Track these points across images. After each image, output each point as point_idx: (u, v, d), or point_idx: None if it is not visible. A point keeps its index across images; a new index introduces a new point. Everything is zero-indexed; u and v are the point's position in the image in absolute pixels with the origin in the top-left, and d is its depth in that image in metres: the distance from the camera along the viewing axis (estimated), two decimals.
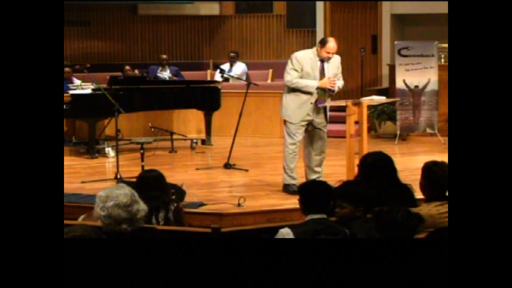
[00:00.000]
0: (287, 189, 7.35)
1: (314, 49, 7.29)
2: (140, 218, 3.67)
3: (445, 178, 4.43)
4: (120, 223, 3.60)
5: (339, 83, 7.28)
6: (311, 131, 7.33)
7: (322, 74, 7.19)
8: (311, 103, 7.19)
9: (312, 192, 4.33)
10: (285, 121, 7.37)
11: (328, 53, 7.14)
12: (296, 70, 7.17)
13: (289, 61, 7.27)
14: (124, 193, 3.65)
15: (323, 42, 7.23)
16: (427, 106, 10.75)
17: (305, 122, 7.25)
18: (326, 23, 12.58)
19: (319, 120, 7.30)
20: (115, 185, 3.78)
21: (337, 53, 7.30)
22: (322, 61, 7.20)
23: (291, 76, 7.18)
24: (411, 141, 10.80)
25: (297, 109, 7.24)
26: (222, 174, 8.42)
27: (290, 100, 7.27)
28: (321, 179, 7.11)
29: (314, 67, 7.18)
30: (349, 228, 4.23)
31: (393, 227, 3.75)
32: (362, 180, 5.07)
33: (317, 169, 7.37)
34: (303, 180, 6.97)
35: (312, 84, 7.14)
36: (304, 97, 7.20)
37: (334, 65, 7.29)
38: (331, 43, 7.16)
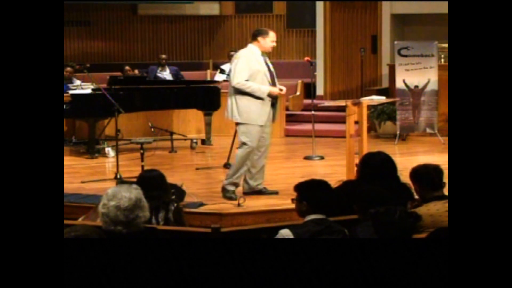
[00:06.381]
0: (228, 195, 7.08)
1: (251, 46, 6.92)
2: (138, 223, 3.65)
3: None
4: (116, 224, 3.60)
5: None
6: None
7: (269, 70, 6.92)
8: (269, 100, 6.87)
9: (312, 193, 4.29)
10: (239, 124, 6.91)
11: (273, 41, 6.87)
12: (245, 70, 6.78)
13: (238, 61, 6.83)
14: (129, 197, 3.64)
15: (264, 32, 6.90)
16: (427, 106, 10.75)
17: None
18: (326, 23, 12.56)
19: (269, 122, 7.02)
20: (129, 186, 3.75)
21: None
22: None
23: (242, 78, 6.76)
24: (411, 141, 10.80)
25: (261, 110, 6.84)
26: (222, 174, 8.40)
27: (249, 101, 6.80)
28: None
29: (260, 61, 6.84)
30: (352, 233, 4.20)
31: (390, 228, 3.75)
32: (362, 180, 5.07)
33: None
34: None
35: (264, 90, 6.77)
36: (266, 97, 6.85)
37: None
38: (271, 32, 6.91)
